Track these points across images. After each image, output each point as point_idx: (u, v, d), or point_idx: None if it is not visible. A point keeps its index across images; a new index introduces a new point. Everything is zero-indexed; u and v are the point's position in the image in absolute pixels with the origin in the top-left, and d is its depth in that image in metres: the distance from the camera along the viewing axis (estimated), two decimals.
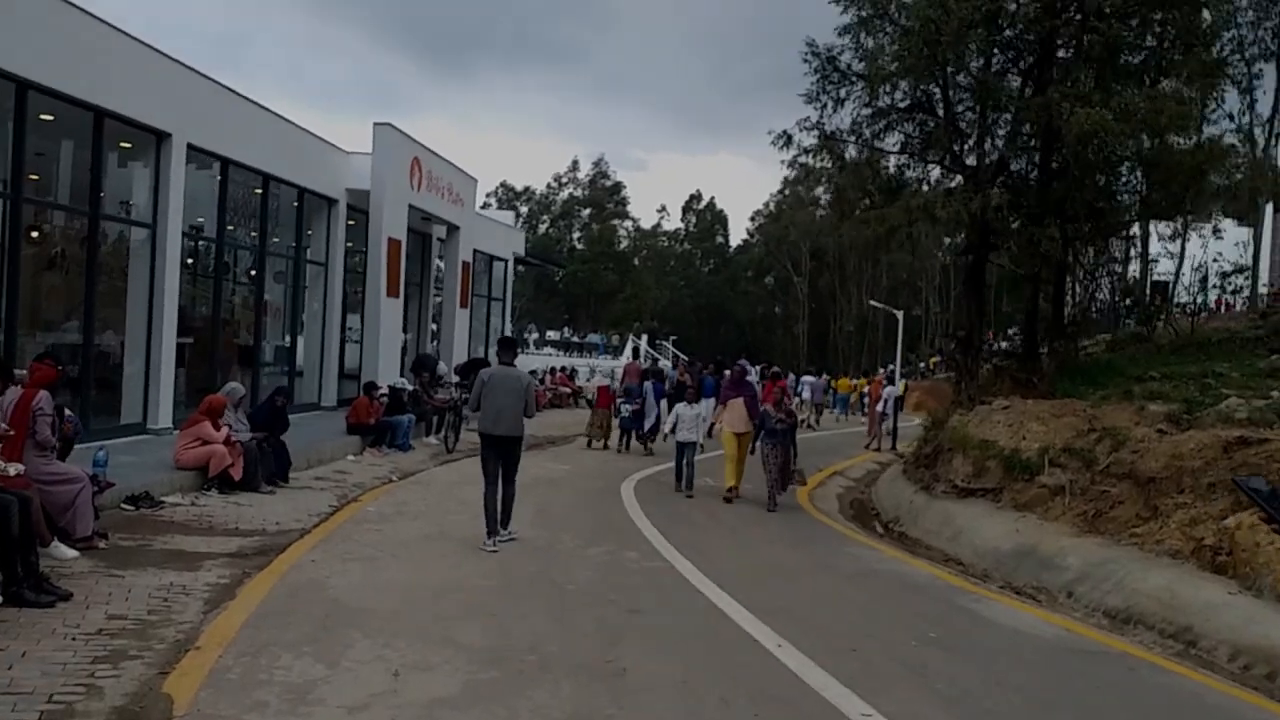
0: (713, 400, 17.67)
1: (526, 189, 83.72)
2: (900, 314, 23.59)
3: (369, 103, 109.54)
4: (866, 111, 13.90)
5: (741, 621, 6.45)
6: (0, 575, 5.67)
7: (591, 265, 76.47)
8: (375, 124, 17.69)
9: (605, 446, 18.00)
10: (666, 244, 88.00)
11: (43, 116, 11.68)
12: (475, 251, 24.07)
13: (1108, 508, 10.61)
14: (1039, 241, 12.02)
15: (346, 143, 18.17)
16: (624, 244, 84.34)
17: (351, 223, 18.58)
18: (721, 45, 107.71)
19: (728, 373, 26.11)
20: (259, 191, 15.57)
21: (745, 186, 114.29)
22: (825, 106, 14.22)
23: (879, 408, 23.29)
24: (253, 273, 16.23)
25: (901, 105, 13.52)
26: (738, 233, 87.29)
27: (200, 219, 14.41)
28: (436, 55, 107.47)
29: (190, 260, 14.85)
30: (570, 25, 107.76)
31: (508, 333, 30.15)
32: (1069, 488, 11.19)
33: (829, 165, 15.04)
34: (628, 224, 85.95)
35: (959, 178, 13.96)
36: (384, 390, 15.60)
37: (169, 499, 9.37)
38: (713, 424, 13.49)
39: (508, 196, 79.99)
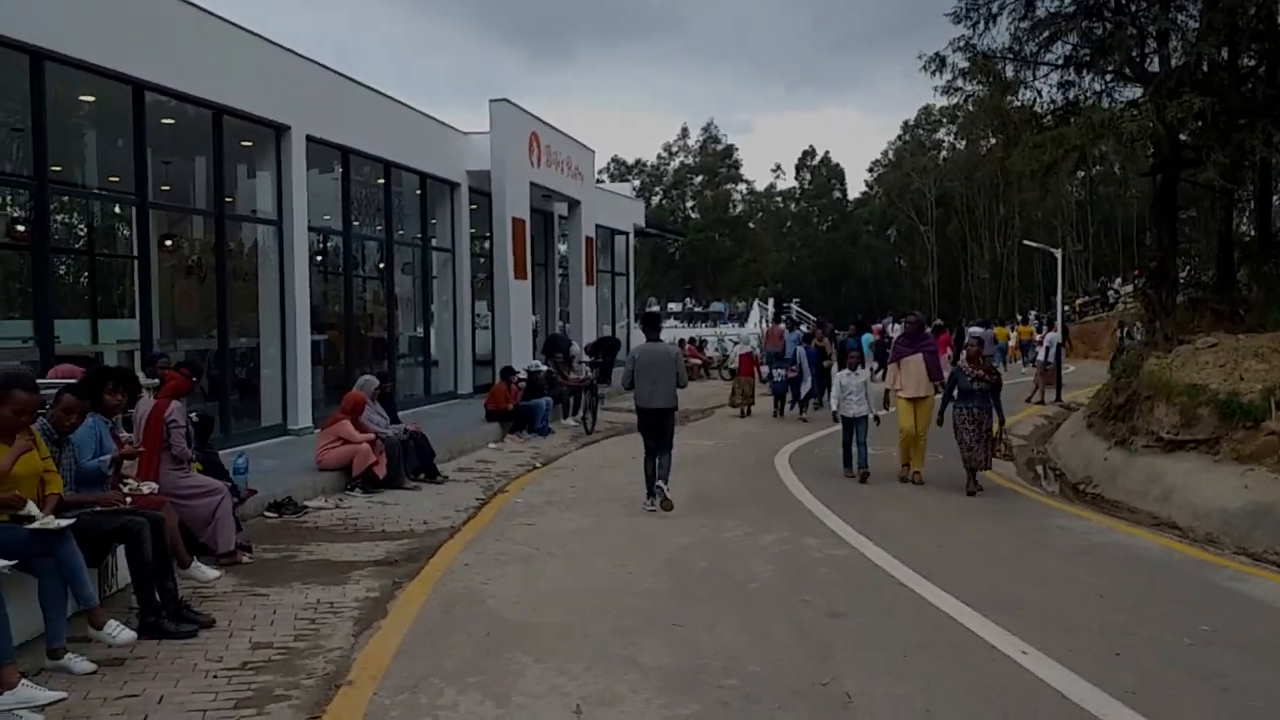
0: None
1: (638, 161, 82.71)
2: (1059, 252, 21.57)
3: (474, 95, 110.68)
4: (1025, 25, 12.33)
5: (968, 622, 5.42)
6: (137, 605, 5.20)
7: (707, 233, 74.98)
8: (491, 101, 17.12)
9: (748, 413, 17.48)
10: (782, 204, 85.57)
11: (164, 120, 11.55)
12: (597, 226, 23.39)
13: None
14: (1252, 149, 10.26)
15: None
16: (739, 208, 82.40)
17: (474, 207, 18.13)
18: None
19: (874, 330, 24.86)
20: (381, 181, 15.21)
21: (857, 140, 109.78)
22: (977, 24, 12.72)
23: (1040, 356, 21.48)
24: (381, 265, 15.94)
25: (1068, 11, 11.88)
26: (855, 186, 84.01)
27: (326, 216, 14.15)
28: (535, 41, 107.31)
29: (319, 257, 14.65)
30: None
31: (640, 307, 29.57)
32: None
33: (985, 90, 13.45)
34: (742, 187, 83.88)
35: (1139, 89, 12.24)
36: (521, 374, 15.08)
37: (312, 503, 8.97)
38: (887, 391, 11.05)
39: (620, 171, 79.28)
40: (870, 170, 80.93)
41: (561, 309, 23.42)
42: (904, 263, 78.49)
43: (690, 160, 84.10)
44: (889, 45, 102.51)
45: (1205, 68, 11.29)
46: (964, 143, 72.70)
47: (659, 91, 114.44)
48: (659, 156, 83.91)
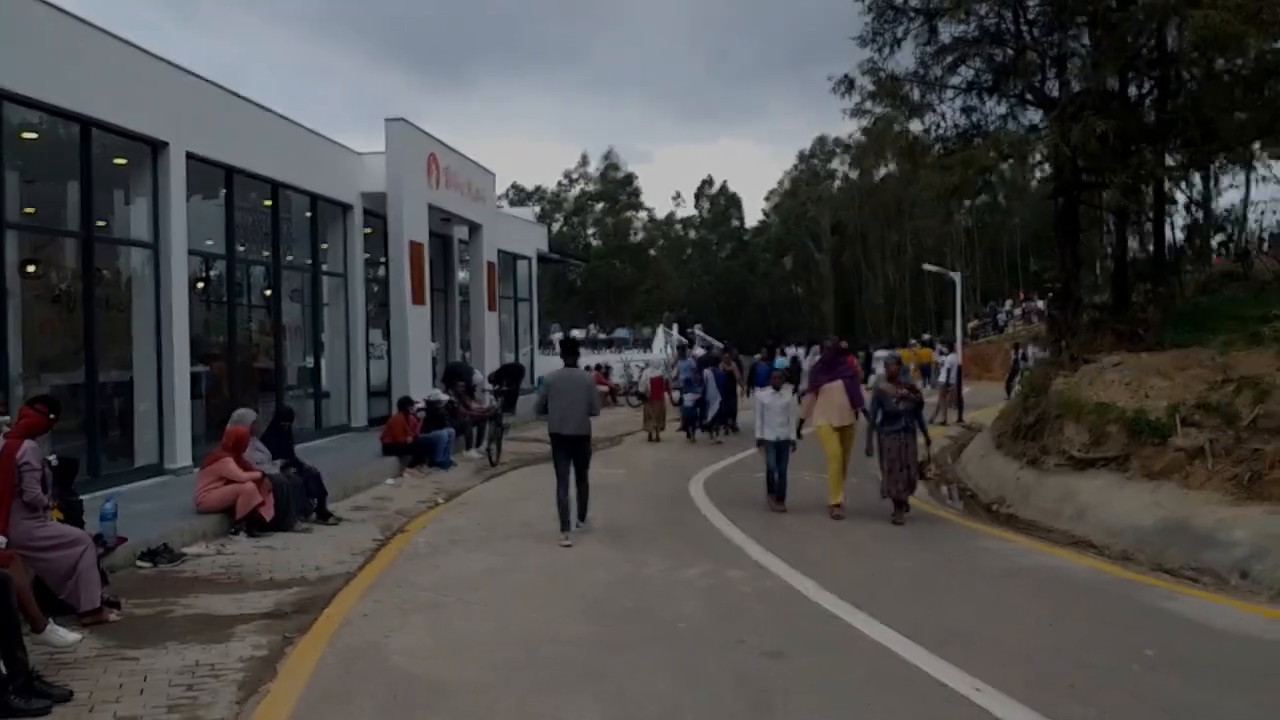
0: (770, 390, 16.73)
1: (538, 188, 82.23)
2: (957, 275, 22.02)
3: (372, 122, 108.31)
4: (929, 49, 12.45)
5: (912, 656, 5.11)
6: None
7: (608, 260, 75.09)
8: (388, 120, 16.44)
9: (657, 438, 17.34)
10: (682, 232, 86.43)
11: (25, 135, 10.58)
12: (499, 251, 22.82)
13: (1265, 468, 9.19)
14: (1149, 170, 10.52)
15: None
16: (640, 235, 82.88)
17: (369, 230, 17.37)
18: (715, 32, 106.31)
19: (791, 354, 24.93)
20: (269, 204, 14.35)
21: (753, 170, 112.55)
22: (883, 48, 12.80)
23: (941, 378, 21.83)
24: (268, 292, 15.03)
25: (972, 36, 12.06)
26: (752, 215, 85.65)
27: (209, 240, 13.23)
28: (433, 69, 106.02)
29: (201, 284, 13.69)
30: (564, 25, 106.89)
31: (543, 333, 29.02)
32: (1210, 449, 9.74)
33: (896, 111, 13.56)
34: (642, 214, 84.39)
35: (1038, 114, 12.51)
36: (420, 405, 14.38)
37: (191, 549, 8.15)
38: (801, 420, 10.61)
39: (519, 197, 78.47)
40: (767, 199, 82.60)
41: (463, 336, 22.70)
42: (799, 290, 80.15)
43: (591, 187, 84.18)
44: (783, 78, 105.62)
45: (1103, 91, 11.59)
46: (857, 173, 75.48)
47: (558, 121, 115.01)
48: (559, 183, 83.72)
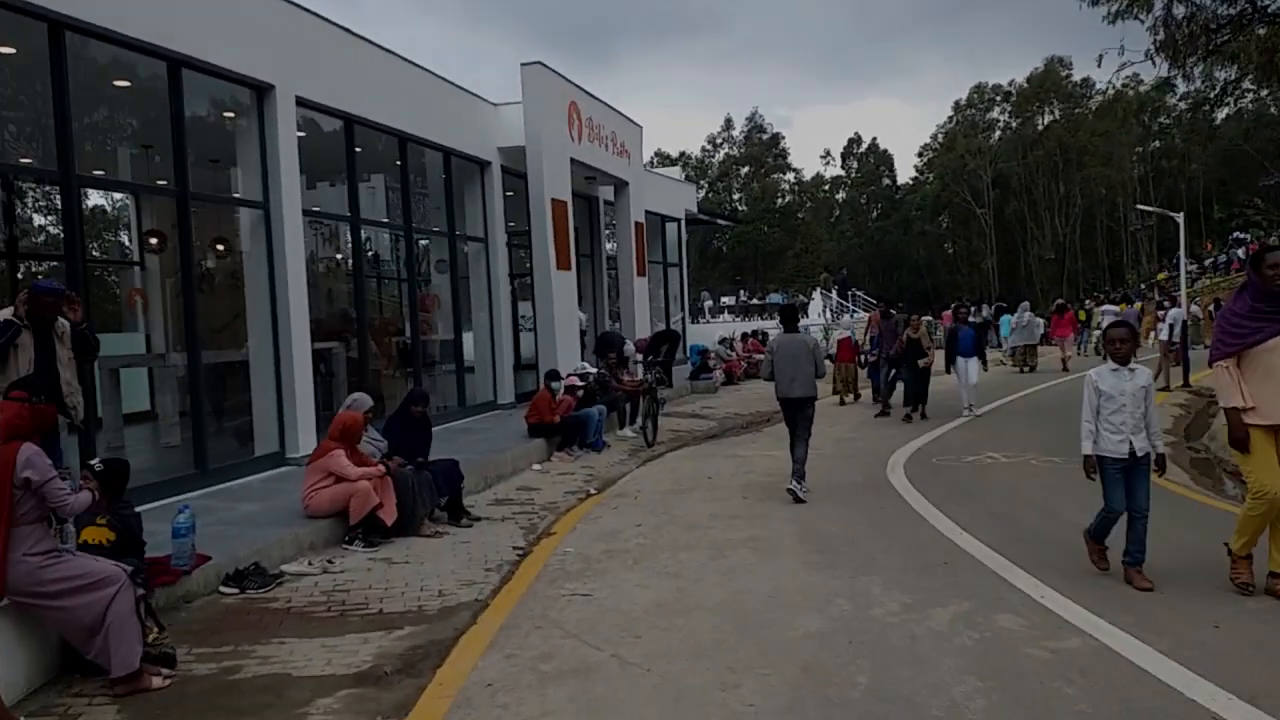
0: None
1: (682, 154, 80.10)
2: (1180, 216, 18.62)
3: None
4: None
5: None
6: None
7: (756, 224, 72.45)
8: (523, 64, 14.71)
9: (851, 401, 17.22)
10: (829, 192, 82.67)
11: (117, 83, 9.37)
12: (646, 212, 20.92)
13: None
14: None
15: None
16: (787, 198, 79.73)
17: (510, 194, 15.81)
18: None
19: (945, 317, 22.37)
20: (398, 164, 12.89)
21: (901, 128, 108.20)
22: None
23: (1164, 337, 18.57)
24: (401, 257, 13.64)
25: None
26: (903, 173, 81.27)
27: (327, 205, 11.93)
28: (577, 46, 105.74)
29: (338, 255, 12.43)
30: None
31: (693, 301, 27.26)
32: None
33: None
34: (790, 177, 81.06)
35: None
36: (571, 378, 12.76)
37: (291, 567, 6.62)
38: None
39: (664, 164, 76.84)
40: (920, 155, 78.41)
41: (611, 307, 21.00)
42: (951, 249, 75.91)
43: (735, 151, 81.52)
44: (930, 30, 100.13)
45: None
46: (1019, 121, 70.20)
47: (699, 90, 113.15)
48: (703, 149, 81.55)
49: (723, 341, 23.10)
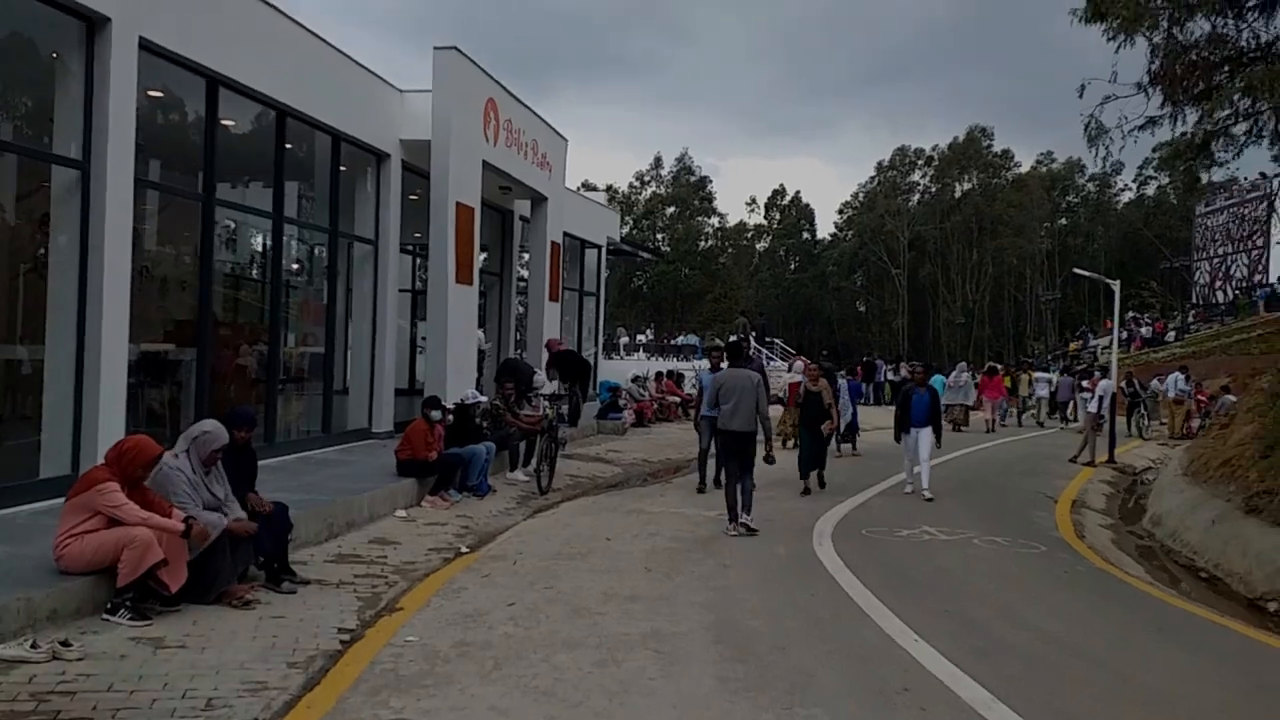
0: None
1: (609, 187, 79.01)
2: (1116, 284, 17.90)
3: None
4: None
5: None
6: None
7: (677, 265, 71.95)
8: (436, 48, 12.99)
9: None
10: (751, 239, 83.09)
11: None
12: (566, 234, 19.34)
13: None
14: None
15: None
16: (709, 243, 79.72)
17: (414, 196, 14.05)
18: (792, 49, 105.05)
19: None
20: (273, 142, 10.99)
21: (823, 187, 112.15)
22: None
23: (1092, 409, 17.71)
24: (266, 250, 11.65)
25: None
26: (824, 228, 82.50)
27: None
28: (519, 79, 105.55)
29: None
30: (644, 40, 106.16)
31: (609, 335, 25.95)
32: None
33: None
34: (714, 220, 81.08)
35: None
36: (458, 406, 11.00)
37: (6, 649, 4.68)
38: None
39: (590, 191, 75.70)
40: (840, 212, 79.81)
41: (519, 335, 19.26)
42: (863, 307, 77.40)
43: (663, 190, 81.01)
44: (859, 94, 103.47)
45: None
46: (938, 186, 71.86)
47: (631, 132, 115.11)
48: (630, 185, 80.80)
49: (636, 380, 21.53)
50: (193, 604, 5.73)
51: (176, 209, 10.19)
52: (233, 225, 11.67)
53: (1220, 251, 46.99)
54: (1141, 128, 10.90)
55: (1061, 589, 7.65)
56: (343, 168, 12.37)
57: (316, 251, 12.97)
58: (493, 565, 7.55)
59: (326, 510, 8.13)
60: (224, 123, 10.06)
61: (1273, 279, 40.93)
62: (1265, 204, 40.47)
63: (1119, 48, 11.22)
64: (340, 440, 12.27)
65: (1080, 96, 11.50)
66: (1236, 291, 43.55)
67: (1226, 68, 10.49)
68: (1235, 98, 9.71)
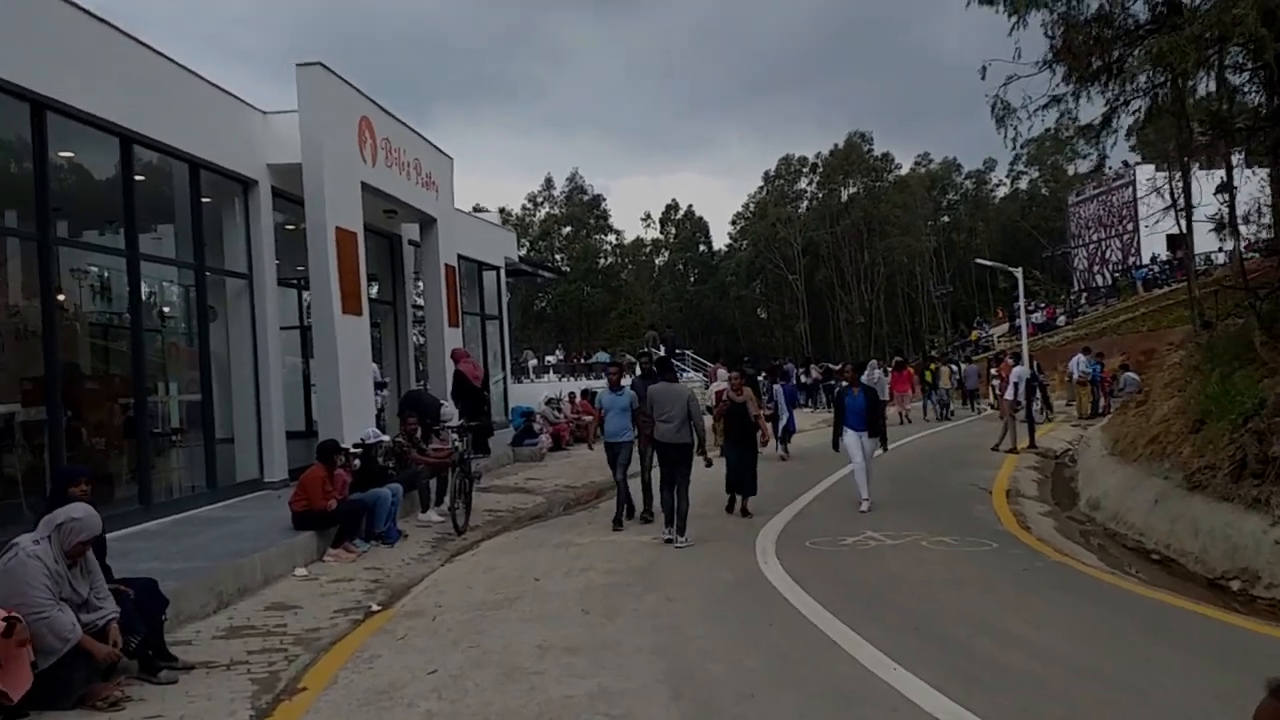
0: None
1: (502, 210, 77.98)
2: (1019, 271, 17.99)
3: None
4: None
5: None
6: None
7: (579, 284, 71.33)
8: (299, 65, 11.99)
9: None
10: (649, 254, 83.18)
11: None
12: (460, 257, 18.39)
13: None
14: None
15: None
16: (608, 260, 79.44)
17: (290, 227, 12.97)
18: (668, 67, 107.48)
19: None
20: (119, 170, 9.80)
21: (714, 198, 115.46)
22: None
23: (1009, 396, 17.67)
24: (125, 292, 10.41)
25: None
26: (719, 239, 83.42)
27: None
28: (396, 108, 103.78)
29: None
30: (523, 64, 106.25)
31: (515, 359, 25.10)
32: None
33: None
34: (611, 238, 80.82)
35: None
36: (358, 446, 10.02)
37: None
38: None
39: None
40: (734, 223, 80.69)
41: (420, 366, 18.17)
42: (765, 314, 78.84)
43: (557, 211, 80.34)
44: (732, 109, 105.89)
45: None
46: (824, 192, 73.40)
47: (516, 157, 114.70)
48: (524, 207, 79.92)
49: (549, 402, 20.62)
50: (47, 710, 4.70)
51: (22, 255, 8.93)
52: (89, 270, 10.41)
53: (1094, 238, 48.96)
54: (1045, 106, 10.72)
55: (1028, 591, 7.16)
56: (205, 198, 11.27)
57: (186, 290, 11.75)
58: (409, 624, 6.64)
59: (213, 577, 7.10)
60: (63, 154, 8.89)
61: (1145, 260, 42.73)
62: (1131, 189, 42.26)
63: (1012, 29, 11.07)
64: (229, 494, 11.08)
65: (983, 78, 11.28)
66: (1115, 274, 45.35)
67: (1121, 43, 10.37)
68: (1146, 70, 9.56)
